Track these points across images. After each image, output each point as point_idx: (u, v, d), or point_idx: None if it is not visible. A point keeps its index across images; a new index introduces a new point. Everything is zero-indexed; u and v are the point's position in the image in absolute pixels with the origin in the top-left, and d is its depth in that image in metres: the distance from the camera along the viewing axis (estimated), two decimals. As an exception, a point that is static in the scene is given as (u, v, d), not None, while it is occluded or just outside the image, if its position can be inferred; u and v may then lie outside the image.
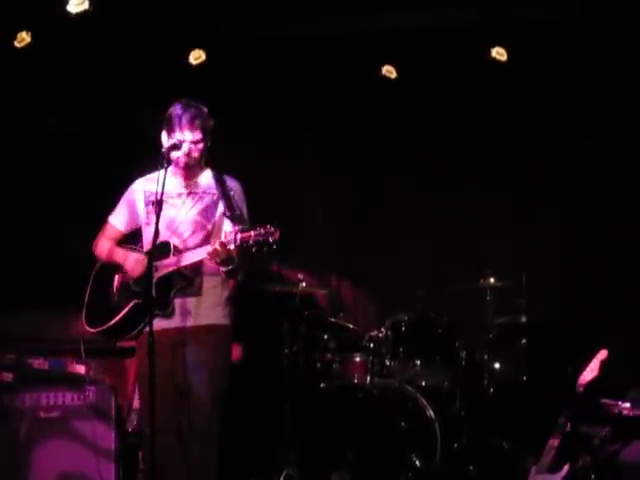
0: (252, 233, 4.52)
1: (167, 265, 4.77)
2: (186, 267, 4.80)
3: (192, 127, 4.82)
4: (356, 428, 5.90)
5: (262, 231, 4.50)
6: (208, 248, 4.67)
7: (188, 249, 4.84)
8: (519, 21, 6.72)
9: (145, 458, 5.12)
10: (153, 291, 4.64)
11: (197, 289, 4.89)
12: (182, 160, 4.85)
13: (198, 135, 4.84)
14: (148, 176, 5.00)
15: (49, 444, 5.57)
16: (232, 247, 4.58)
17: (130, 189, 5.08)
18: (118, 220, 5.09)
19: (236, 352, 6.13)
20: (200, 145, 4.87)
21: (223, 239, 4.61)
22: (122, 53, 6.56)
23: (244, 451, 6.19)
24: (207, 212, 4.94)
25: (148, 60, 6.62)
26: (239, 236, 4.55)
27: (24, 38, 6.41)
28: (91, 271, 5.11)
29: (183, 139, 4.82)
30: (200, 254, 4.73)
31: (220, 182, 4.93)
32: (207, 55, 6.86)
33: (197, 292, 4.89)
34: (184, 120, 4.83)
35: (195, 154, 4.87)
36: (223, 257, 4.66)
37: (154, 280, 4.65)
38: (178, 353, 4.86)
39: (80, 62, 6.58)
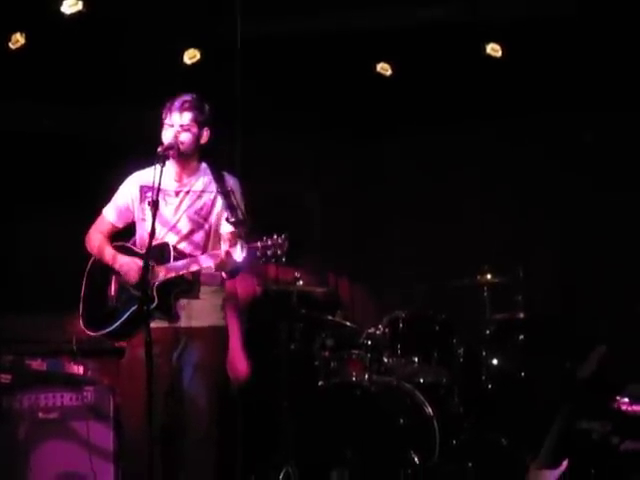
0: (259, 244, 4.52)
1: (169, 270, 4.72)
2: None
3: (181, 110, 4.81)
4: (354, 426, 5.89)
5: (269, 243, 4.51)
6: (213, 258, 4.65)
7: (187, 251, 4.83)
8: (514, 17, 6.71)
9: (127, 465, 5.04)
10: (155, 297, 4.66)
11: (195, 292, 4.87)
12: (172, 146, 4.76)
13: (186, 119, 4.81)
14: (144, 170, 4.97)
15: (48, 445, 5.57)
16: (239, 258, 4.57)
17: (126, 183, 5.04)
18: (112, 213, 5.04)
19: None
20: (188, 133, 4.81)
21: (229, 248, 4.59)
22: (116, 53, 6.55)
23: (243, 450, 6.19)
24: (204, 210, 4.91)
25: (142, 60, 6.61)
26: (245, 247, 4.54)
27: (18, 39, 6.40)
28: (85, 266, 5.04)
29: (171, 123, 4.82)
30: (205, 263, 4.70)
31: (219, 180, 4.89)
32: (202, 54, 6.85)
33: (195, 295, 4.87)
34: (174, 105, 4.84)
35: (183, 139, 4.80)
36: (229, 268, 4.70)
37: (156, 284, 4.66)
38: (175, 353, 4.85)
39: (74, 62, 6.57)
